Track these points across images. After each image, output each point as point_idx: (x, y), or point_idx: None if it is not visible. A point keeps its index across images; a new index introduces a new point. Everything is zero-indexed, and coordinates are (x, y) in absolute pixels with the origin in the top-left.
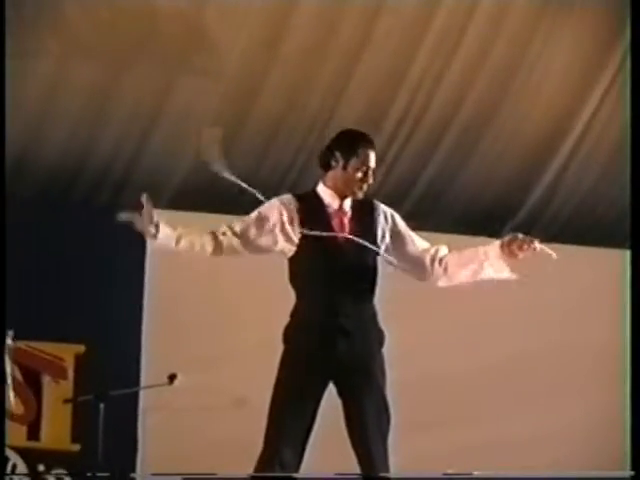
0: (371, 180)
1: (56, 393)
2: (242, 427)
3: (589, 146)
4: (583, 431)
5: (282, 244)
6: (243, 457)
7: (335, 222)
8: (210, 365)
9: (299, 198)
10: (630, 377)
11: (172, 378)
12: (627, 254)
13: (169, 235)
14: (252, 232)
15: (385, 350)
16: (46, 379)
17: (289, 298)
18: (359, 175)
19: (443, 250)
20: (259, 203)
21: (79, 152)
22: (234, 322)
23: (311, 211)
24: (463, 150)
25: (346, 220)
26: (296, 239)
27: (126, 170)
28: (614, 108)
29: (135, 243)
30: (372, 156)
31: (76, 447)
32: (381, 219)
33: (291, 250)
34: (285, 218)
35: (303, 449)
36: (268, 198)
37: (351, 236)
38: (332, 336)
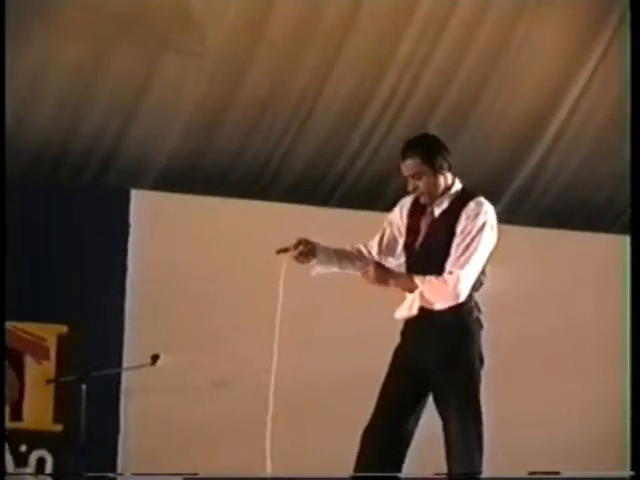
0: (421, 187)
1: (38, 373)
2: (225, 408)
3: (574, 130)
4: (583, 413)
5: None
6: (225, 438)
7: (422, 224)
8: (193, 346)
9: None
10: (630, 377)
11: (155, 359)
12: (613, 238)
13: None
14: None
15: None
16: (28, 359)
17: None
18: (409, 187)
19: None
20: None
21: (63, 133)
22: (217, 303)
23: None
24: (448, 134)
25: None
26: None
27: (110, 151)
28: (600, 92)
29: (118, 223)
30: (407, 165)
31: (58, 427)
32: (462, 219)
33: None
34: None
35: None
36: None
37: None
38: None
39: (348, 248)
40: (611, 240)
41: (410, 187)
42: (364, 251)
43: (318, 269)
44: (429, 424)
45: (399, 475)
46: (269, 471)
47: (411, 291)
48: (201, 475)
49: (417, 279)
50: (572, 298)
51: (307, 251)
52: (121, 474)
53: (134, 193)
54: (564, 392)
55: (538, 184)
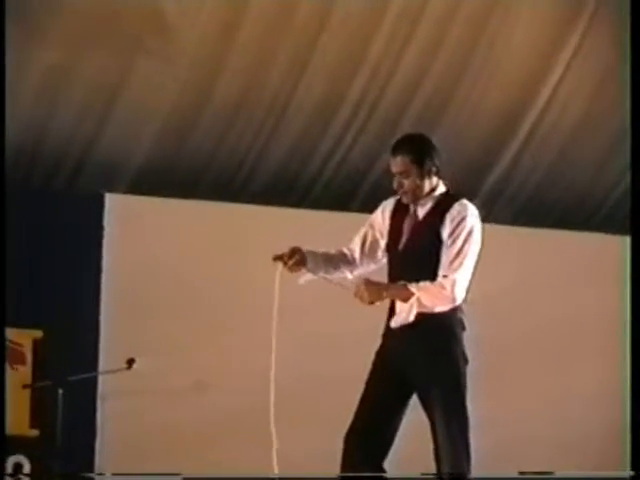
0: (406, 185)
1: (14, 379)
2: (201, 410)
3: (547, 128)
4: (579, 410)
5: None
6: (202, 441)
7: (405, 226)
8: (169, 349)
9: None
10: (630, 378)
11: (130, 363)
12: (587, 236)
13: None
14: None
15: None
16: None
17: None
18: (394, 184)
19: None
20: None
21: (35, 136)
22: (193, 306)
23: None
24: (422, 132)
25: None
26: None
27: (83, 154)
28: (573, 88)
29: (93, 227)
30: (396, 161)
31: (35, 432)
32: (446, 222)
33: None
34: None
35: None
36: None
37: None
38: None
39: (332, 251)
40: (585, 238)
41: (395, 184)
42: (347, 254)
43: (307, 277)
44: (420, 423)
45: (386, 475)
46: (276, 471)
47: (406, 299)
48: (201, 475)
49: (411, 287)
50: (549, 296)
51: (300, 260)
52: (101, 474)
53: (108, 197)
54: (558, 390)
55: (511, 182)
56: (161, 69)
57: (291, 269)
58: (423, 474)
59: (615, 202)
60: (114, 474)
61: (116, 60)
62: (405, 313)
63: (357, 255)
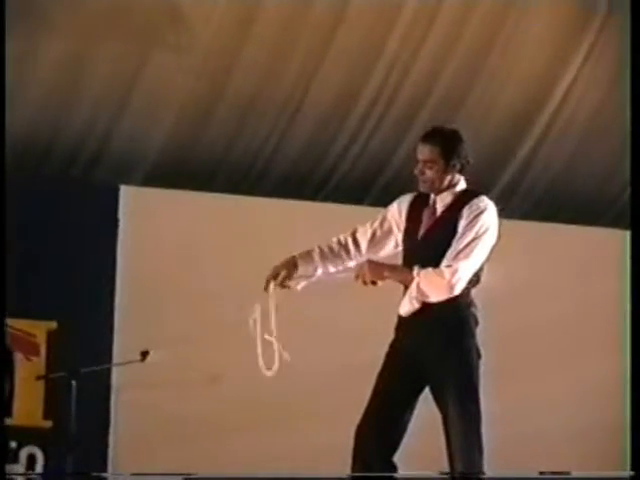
0: (428, 175)
1: (28, 370)
2: (215, 403)
3: (563, 124)
4: (582, 405)
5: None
6: (216, 433)
7: (424, 218)
8: (183, 341)
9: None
10: (630, 378)
11: (144, 355)
12: (602, 231)
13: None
14: None
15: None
16: (18, 356)
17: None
18: (416, 170)
19: None
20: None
21: (51, 128)
22: (207, 298)
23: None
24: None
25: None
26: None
27: (99, 146)
28: (589, 84)
29: (108, 219)
30: (424, 149)
31: (48, 424)
32: (463, 215)
33: None
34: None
35: None
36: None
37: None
38: None
39: (333, 243)
40: (600, 233)
41: (417, 171)
42: (350, 244)
43: (302, 283)
44: (430, 422)
45: (397, 475)
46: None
47: (408, 283)
48: (201, 475)
49: (414, 270)
50: (561, 291)
51: (288, 273)
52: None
53: (123, 189)
54: (566, 385)
55: (527, 178)
56: (177, 62)
57: (283, 286)
58: (441, 473)
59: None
60: (113, 474)
61: (132, 53)
62: (409, 298)
63: (364, 245)
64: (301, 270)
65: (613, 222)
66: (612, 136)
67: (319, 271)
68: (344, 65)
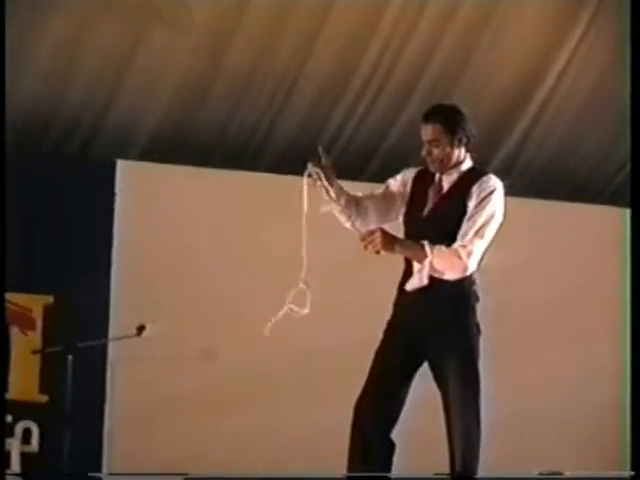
0: (435, 154)
1: (24, 344)
2: (212, 378)
3: (558, 102)
4: (581, 387)
5: None
6: (212, 408)
7: (429, 195)
8: (179, 316)
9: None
10: (630, 378)
11: (141, 329)
12: (598, 209)
13: None
14: None
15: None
16: (14, 330)
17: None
18: (423, 151)
19: None
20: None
21: (48, 104)
22: (204, 274)
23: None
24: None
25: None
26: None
27: (96, 121)
28: (584, 63)
29: (105, 194)
30: (427, 129)
31: (44, 398)
32: (473, 194)
33: None
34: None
35: None
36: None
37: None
38: None
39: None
40: (596, 210)
41: (424, 152)
42: (362, 202)
43: (327, 208)
44: (429, 421)
45: (392, 476)
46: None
47: (419, 259)
48: (201, 475)
49: (427, 248)
50: (559, 269)
51: (330, 173)
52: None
53: (120, 164)
54: (565, 365)
55: (523, 155)
56: (173, 38)
57: (317, 176)
58: (436, 474)
59: (627, 175)
60: (111, 474)
61: (129, 29)
62: (418, 274)
63: (371, 208)
64: (336, 187)
65: (610, 199)
66: (609, 113)
67: (344, 199)
68: (339, 42)
